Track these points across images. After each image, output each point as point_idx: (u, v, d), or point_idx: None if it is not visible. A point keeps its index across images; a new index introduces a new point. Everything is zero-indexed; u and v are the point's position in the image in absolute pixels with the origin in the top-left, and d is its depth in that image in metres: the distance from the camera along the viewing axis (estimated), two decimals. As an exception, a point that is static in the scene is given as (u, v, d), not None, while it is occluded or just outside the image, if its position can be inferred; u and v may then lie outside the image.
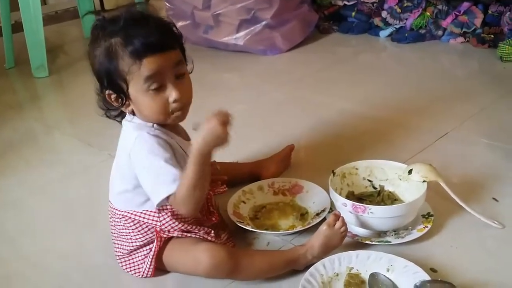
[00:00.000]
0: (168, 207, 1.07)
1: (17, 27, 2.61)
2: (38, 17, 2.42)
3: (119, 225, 1.12)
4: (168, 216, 1.08)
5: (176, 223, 1.09)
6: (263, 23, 2.56)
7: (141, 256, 1.12)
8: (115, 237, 1.15)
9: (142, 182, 1.04)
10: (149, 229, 1.10)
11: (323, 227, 1.10)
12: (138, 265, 1.12)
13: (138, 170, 1.03)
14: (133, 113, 1.08)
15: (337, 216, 1.11)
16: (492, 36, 2.42)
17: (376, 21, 2.77)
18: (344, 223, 1.11)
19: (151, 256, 1.10)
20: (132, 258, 1.13)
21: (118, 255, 1.15)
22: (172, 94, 1.03)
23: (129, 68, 1.00)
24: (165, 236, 1.09)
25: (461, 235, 1.19)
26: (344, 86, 2.16)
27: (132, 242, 1.11)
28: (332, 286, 1.05)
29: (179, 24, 2.82)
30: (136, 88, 1.02)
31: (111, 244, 1.18)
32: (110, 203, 1.14)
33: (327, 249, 1.10)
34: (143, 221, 1.09)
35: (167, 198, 0.99)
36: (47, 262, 1.23)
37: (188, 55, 1.10)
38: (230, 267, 1.03)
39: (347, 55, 2.60)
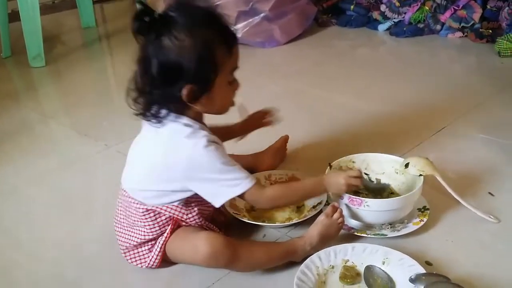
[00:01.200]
0: (194, 203, 1.10)
1: (14, 16, 2.59)
2: (35, 6, 2.41)
3: (135, 216, 1.10)
4: (195, 212, 1.10)
5: (201, 219, 1.11)
6: (262, 15, 2.55)
7: (146, 248, 1.11)
8: (125, 227, 1.13)
9: (208, 185, 1.04)
10: (167, 222, 1.09)
11: (321, 217, 1.12)
12: (145, 256, 1.12)
13: (203, 177, 1.03)
14: (185, 111, 1.05)
15: (335, 207, 1.12)
16: (490, 31, 2.43)
17: (375, 14, 2.76)
18: (341, 214, 1.12)
19: (161, 243, 1.09)
20: (138, 251, 1.12)
21: (123, 246, 1.13)
22: (238, 84, 1.09)
23: (223, 58, 1.01)
24: (184, 224, 1.10)
25: (457, 229, 1.20)
26: (342, 80, 2.16)
27: (144, 235, 1.10)
28: (327, 278, 1.05)
29: (177, 15, 2.80)
30: (222, 79, 1.03)
31: (107, 234, 1.17)
32: (125, 192, 1.11)
33: (325, 239, 1.10)
34: (166, 214, 1.08)
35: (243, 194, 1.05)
36: (42, 252, 1.23)
37: None
38: (229, 256, 1.03)
39: (345, 48, 2.59)
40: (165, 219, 1.09)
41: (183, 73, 0.99)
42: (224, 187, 1.04)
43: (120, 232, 1.14)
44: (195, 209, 1.10)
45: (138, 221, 1.10)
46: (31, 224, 1.34)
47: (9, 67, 2.59)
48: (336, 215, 1.11)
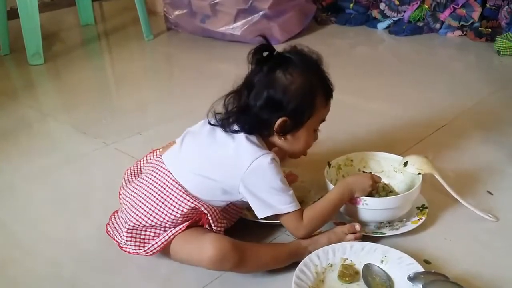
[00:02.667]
0: (225, 213, 1.13)
1: (13, 13, 2.59)
2: (33, 3, 2.40)
3: (171, 201, 1.08)
4: (224, 224, 1.13)
5: (223, 228, 1.12)
6: (261, 13, 2.55)
7: (151, 234, 1.09)
8: (146, 204, 1.09)
9: (259, 196, 1.07)
10: (193, 215, 1.09)
11: (338, 229, 1.13)
12: (145, 239, 1.09)
13: (259, 186, 1.07)
14: (267, 136, 1.12)
15: (354, 229, 1.13)
16: (489, 30, 2.43)
17: (374, 13, 2.76)
18: (356, 238, 1.12)
19: (172, 233, 1.07)
20: (141, 233, 1.09)
21: (132, 223, 1.09)
22: (317, 137, 1.19)
23: (320, 105, 1.12)
24: (208, 228, 1.10)
25: (455, 227, 1.20)
26: (341, 78, 2.13)
27: (163, 221, 1.07)
28: (326, 276, 1.05)
29: (176, 13, 2.81)
30: (311, 124, 1.13)
31: (104, 230, 1.17)
32: (170, 173, 1.10)
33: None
34: (204, 212, 1.08)
35: (288, 215, 1.09)
36: (40, 249, 1.23)
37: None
38: (235, 259, 1.03)
39: (344, 47, 2.59)
40: (192, 215, 1.08)
41: (284, 106, 1.08)
42: (272, 202, 1.07)
43: (135, 207, 1.10)
44: (225, 221, 1.13)
45: (169, 206, 1.07)
46: (29, 221, 1.34)
47: (8, 64, 2.59)
48: (349, 237, 1.12)
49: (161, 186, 1.10)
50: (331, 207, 1.13)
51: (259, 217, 1.10)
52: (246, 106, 1.10)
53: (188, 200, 1.07)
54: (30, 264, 1.18)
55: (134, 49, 2.76)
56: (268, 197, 1.07)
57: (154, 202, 1.09)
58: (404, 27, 2.60)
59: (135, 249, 1.09)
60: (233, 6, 2.55)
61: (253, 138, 1.10)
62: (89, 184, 1.49)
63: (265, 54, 1.10)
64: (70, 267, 1.15)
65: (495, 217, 1.21)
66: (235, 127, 1.10)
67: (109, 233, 1.16)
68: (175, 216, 1.08)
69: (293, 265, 1.06)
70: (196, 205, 1.07)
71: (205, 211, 1.08)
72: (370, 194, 1.16)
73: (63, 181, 1.52)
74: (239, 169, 1.06)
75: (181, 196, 1.08)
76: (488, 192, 1.31)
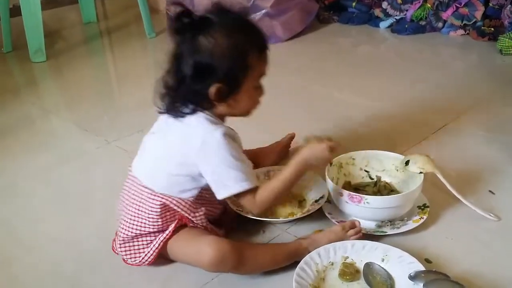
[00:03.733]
0: (203, 201, 1.11)
1: (15, 11, 2.59)
2: (36, 1, 2.40)
3: (139, 205, 1.09)
4: (202, 211, 1.11)
5: (206, 219, 1.11)
6: (263, 11, 2.55)
7: (144, 242, 1.11)
8: (128, 215, 1.11)
9: (213, 174, 1.05)
10: (171, 217, 1.09)
11: (338, 228, 1.12)
12: (140, 250, 1.11)
13: (212, 163, 1.05)
14: (210, 109, 1.07)
15: (354, 224, 1.13)
16: (492, 29, 2.42)
17: (377, 11, 2.76)
18: (357, 233, 1.12)
19: (161, 239, 1.08)
20: (134, 244, 1.11)
21: (121, 238, 1.11)
22: (263, 91, 1.12)
23: (254, 62, 1.05)
24: (190, 225, 1.10)
25: (457, 226, 1.20)
26: (343, 77, 2.16)
27: (145, 227, 1.09)
28: (326, 275, 1.05)
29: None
30: (250, 83, 1.07)
31: (105, 230, 1.17)
32: (136, 179, 1.11)
33: None
34: (174, 208, 1.08)
35: (242, 193, 1.06)
36: (41, 246, 1.23)
37: None
38: (234, 261, 1.03)
39: (346, 45, 2.59)
40: (170, 214, 1.09)
41: (214, 72, 1.03)
42: (228, 180, 1.05)
43: (123, 221, 1.12)
44: (202, 208, 1.11)
45: (143, 210, 1.09)
46: (31, 218, 1.34)
47: (10, 62, 2.59)
48: (350, 232, 1.12)
49: (133, 194, 1.12)
50: (286, 185, 1.11)
51: (218, 199, 1.08)
52: (179, 82, 1.05)
53: (156, 200, 1.08)
54: (32, 262, 1.18)
55: (136, 47, 2.76)
56: (221, 175, 1.05)
57: (131, 211, 1.11)
58: (406, 26, 2.59)
59: (132, 261, 1.11)
60: (235, 4, 2.55)
61: (203, 114, 1.07)
62: (90, 182, 1.49)
63: (185, 20, 1.03)
64: (71, 266, 1.16)
65: (496, 216, 1.21)
66: (183, 109, 1.07)
67: (114, 249, 1.16)
68: (153, 218, 1.08)
69: (294, 264, 1.06)
70: (163, 201, 1.07)
71: (175, 207, 1.08)
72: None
73: (65, 179, 1.52)
74: (192, 151, 1.05)
75: (148, 198, 1.09)
76: (490, 191, 1.31)
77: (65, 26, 3.12)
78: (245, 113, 1.13)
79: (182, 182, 1.08)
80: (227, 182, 1.06)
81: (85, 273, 1.13)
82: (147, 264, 1.11)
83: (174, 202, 1.08)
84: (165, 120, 1.11)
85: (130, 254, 1.12)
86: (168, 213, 1.09)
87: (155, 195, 1.08)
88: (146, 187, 1.09)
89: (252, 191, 1.08)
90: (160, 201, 1.07)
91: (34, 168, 1.57)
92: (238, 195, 1.08)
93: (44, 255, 1.20)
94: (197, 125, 1.06)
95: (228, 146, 1.04)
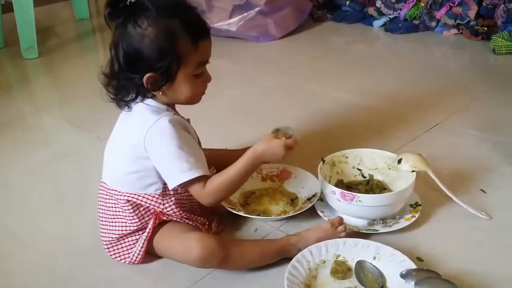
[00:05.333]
0: (172, 192, 1.08)
1: (7, 7, 2.58)
2: (28, -3, 2.39)
3: (115, 208, 1.10)
4: (172, 201, 1.09)
5: (178, 209, 1.10)
6: (257, 9, 2.54)
7: (130, 242, 1.11)
8: (106, 220, 1.13)
9: (160, 164, 1.03)
10: (146, 213, 1.09)
11: (326, 225, 1.12)
12: (128, 250, 1.12)
13: (158, 153, 1.03)
14: (153, 96, 1.06)
15: (341, 220, 1.13)
16: (485, 28, 2.43)
17: (370, 10, 2.76)
18: (345, 229, 1.12)
19: (144, 238, 1.09)
20: (121, 244, 1.12)
21: (106, 241, 1.13)
22: (208, 77, 1.08)
23: (187, 50, 1.01)
24: (164, 218, 1.09)
25: (448, 225, 1.20)
26: (336, 75, 2.16)
27: (126, 227, 1.10)
28: (318, 273, 1.05)
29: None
30: (186, 71, 1.03)
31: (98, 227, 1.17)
32: (105, 184, 1.12)
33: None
34: (144, 204, 1.08)
35: (188, 183, 1.03)
36: (35, 243, 1.23)
37: None
38: (221, 257, 1.03)
39: (340, 44, 2.59)
40: (143, 210, 1.09)
41: (145, 61, 1.00)
42: (175, 170, 1.02)
43: (102, 226, 1.14)
44: (172, 199, 1.09)
45: (118, 212, 1.10)
46: (24, 215, 1.33)
47: (2, 58, 2.58)
48: (340, 228, 1.12)
49: (105, 199, 1.12)
50: (237, 177, 1.06)
51: (170, 188, 1.06)
52: (117, 71, 1.04)
53: (124, 199, 1.08)
54: (26, 258, 1.18)
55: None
56: (168, 165, 1.03)
57: (110, 215, 1.12)
58: (400, 25, 2.60)
59: (123, 261, 1.12)
60: (229, 2, 2.54)
61: (144, 104, 1.05)
62: (84, 179, 1.48)
63: (120, 5, 0.99)
64: (65, 262, 1.15)
65: (488, 215, 1.21)
66: (126, 98, 1.05)
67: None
68: (130, 216, 1.09)
69: (286, 261, 1.06)
70: (131, 200, 1.07)
71: (142, 202, 1.08)
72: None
73: (58, 175, 1.51)
74: (140, 143, 1.03)
75: (117, 199, 1.09)
76: (482, 190, 1.32)
77: (58, 22, 3.10)
78: (189, 100, 1.08)
79: (143, 177, 1.07)
80: (172, 172, 1.03)
81: (80, 269, 1.13)
82: (138, 262, 1.11)
83: (140, 198, 1.08)
84: (121, 119, 1.11)
85: (119, 254, 1.12)
86: (142, 209, 1.09)
87: (122, 195, 1.08)
88: (113, 190, 1.10)
89: (200, 180, 1.04)
90: (128, 200, 1.08)
91: (27, 164, 1.56)
92: (186, 185, 1.04)
93: (38, 250, 1.20)
94: (142, 117, 1.04)
95: (171, 135, 1.01)
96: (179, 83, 1.04)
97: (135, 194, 1.08)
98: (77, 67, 2.40)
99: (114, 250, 1.12)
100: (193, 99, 1.09)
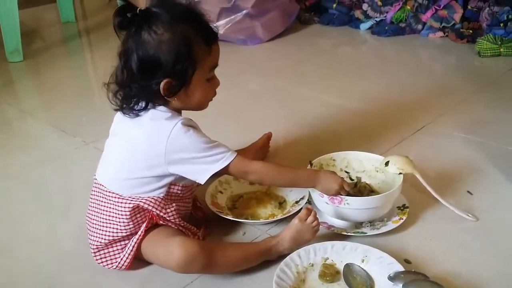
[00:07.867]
0: (173, 197, 1.10)
1: (-9, 9, 2.54)
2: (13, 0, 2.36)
3: (109, 211, 1.08)
4: (173, 208, 1.09)
5: (177, 216, 1.10)
6: (244, 12, 2.54)
7: (119, 247, 1.10)
8: (97, 224, 1.10)
9: (193, 162, 1.04)
10: (142, 219, 1.08)
11: (295, 221, 1.10)
12: (115, 256, 1.10)
13: (187, 153, 1.03)
14: (165, 103, 1.06)
15: (309, 211, 1.11)
16: (471, 31, 2.45)
17: (357, 13, 2.77)
18: (316, 218, 1.11)
19: (134, 241, 1.07)
20: (109, 250, 1.10)
21: (94, 245, 1.11)
22: (218, 82, 1.11)
23: (202, 54, 1.03)
24: (161, 222, 1.09)
25: (436, 227, 1.20)
26: (324, 78, 2.16)
27: (117, 232, 1.08)
28: (307, 276, 1.05)
29: (159, 11, 2.78)
30: (201, 76, 1.05)
31: (84, 230, 1.15)
32: (102, 186, 1.10)
33: (298, 243, 1.10)
34: (144, 206, 1.07)
35: (234, 163, 1.06)
36: (18, 248, 1.21)
37: None
38: (204, 262, 1.01)
39: (327, 47, 2.60)
40: (141, 215, 1.08)
41: (161, 67, 1.01)
42: (207, 164, 1.04)
43: (92, 230, 1.12)
44: (173, 204, 1.09)
45: (112, 216, 1.08)
46: (7, 220, 1.32)
47: (-14, 61, 2.55)
48: (310, 219, 1.10)
49: (101, 202, 1.11)
50: (289, 179, 1.14)
51: (202, 183, 1.07)
52: (129, 78, 1.03)
53: (125, 203, 1.07)
54: (8, 263, 1.16)
55: (115, 47, 2.71)
56: (201, 163, 1.04)
57: (102, 219, 1.10)
58: (386, 27, 2.61)
59: (109, 267, 1.11)
60: (216, 5, 2.54)
61: (157, 111, 1.05)
62: (68, 183, 1.47)
63: (128, 15, 0.99)
64: (49, 266, 1.14)
65: (474, 217, 1.22)
66: (136, 106, 1.05)
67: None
68: (124, 223, 1.07)
69: (273, 264, 1.06)
70: (133, 204, 1.06)
71: (145, 205, 1.07)
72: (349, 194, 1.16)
73: (43, 179, 1.49)
74: (161, 150, 1.03)
75: (117, 203, 1.08)
76: (468, 192, 1.32)
77: (43, 25, 3.08)
78: (201, 105, 1.11)
79: (151, 182, 1.07)
80: (210, 163, 1.04)
81: (64, 274, 1.11)
82: (125, 268, 1.09)
83: (144, 201, 1.07)
84: (125, 121, 1.09)
85: (106, 260, 1.11)
86: (138, 215, 1.08)
87: (123, 199, 1.07)
88: (113, 193, 1.08)
89: (237, 158, 1.07)
90: (130, 204, 1.06)
91: (12, 169, 1.55)
92: (225, 170, 1.06)
93: (21, 255, 1.18)
94: (157, 123, 1.04)
95: (194, 134, 1.04)
96: (193, 88, 1.05)
97: (138, 198, 1.07)
98: (62, 71, 2.38)
99: (101, 255, 1.11)
100: (204, 104, 1.11)
